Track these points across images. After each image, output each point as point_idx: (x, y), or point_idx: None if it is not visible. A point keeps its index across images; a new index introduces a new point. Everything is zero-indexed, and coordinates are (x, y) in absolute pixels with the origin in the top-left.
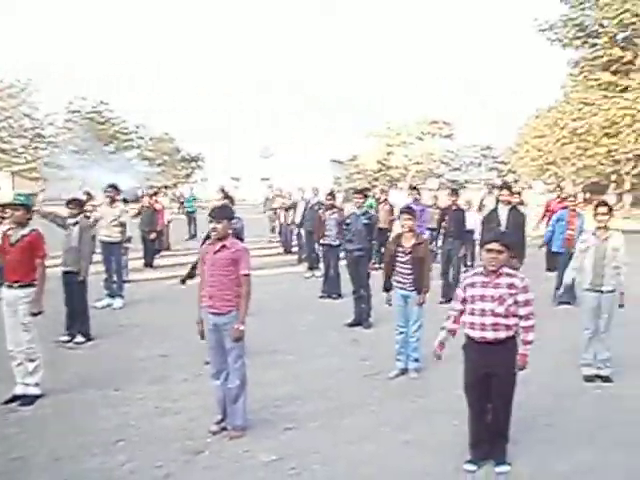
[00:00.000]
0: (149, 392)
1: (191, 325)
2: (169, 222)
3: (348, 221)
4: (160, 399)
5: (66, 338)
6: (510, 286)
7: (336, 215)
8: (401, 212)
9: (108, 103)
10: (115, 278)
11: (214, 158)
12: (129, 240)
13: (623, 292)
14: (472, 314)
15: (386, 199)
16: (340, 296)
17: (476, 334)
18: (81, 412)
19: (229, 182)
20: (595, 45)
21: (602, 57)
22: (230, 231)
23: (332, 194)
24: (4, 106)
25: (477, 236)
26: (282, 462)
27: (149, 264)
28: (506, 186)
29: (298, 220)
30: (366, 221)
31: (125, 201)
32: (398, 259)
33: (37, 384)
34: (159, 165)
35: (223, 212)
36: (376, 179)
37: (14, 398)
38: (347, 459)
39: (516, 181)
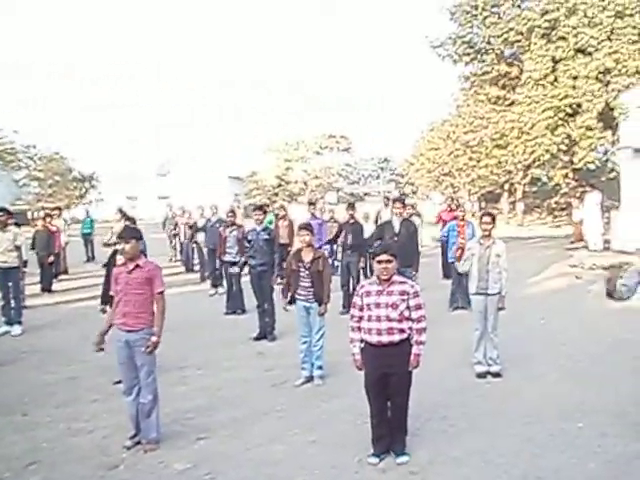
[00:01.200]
0: (59, 414)
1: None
2: (66, 244)
3: (249, 237)
4: (71, 420)
5: None
6: (402, 293)
7: (236, 232)
8: (299, 228)
9: None
10: (13, 304)
11: (109, 177)
12: (25, 264)
13: (504, 295)
14: (369, 320)
15: (285, 215)
16: (244, 311)
17: (373, 339)
18: None
19: (125, 202)
20: (484, 61)
21: (490, 73)
22: (140, 250)
23: (233, 211)
24: None
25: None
26: (196, 469)
27: (47, 289)
28: (399, 199)
29: (200, 238)
30: (266, 237)
31: (17, 224)
32: (299, 273)
33: None
34: (50, 186)
35: (131, 232)
36: (276, 194)
37: None
38: (258, 461)
39: (414, 192)
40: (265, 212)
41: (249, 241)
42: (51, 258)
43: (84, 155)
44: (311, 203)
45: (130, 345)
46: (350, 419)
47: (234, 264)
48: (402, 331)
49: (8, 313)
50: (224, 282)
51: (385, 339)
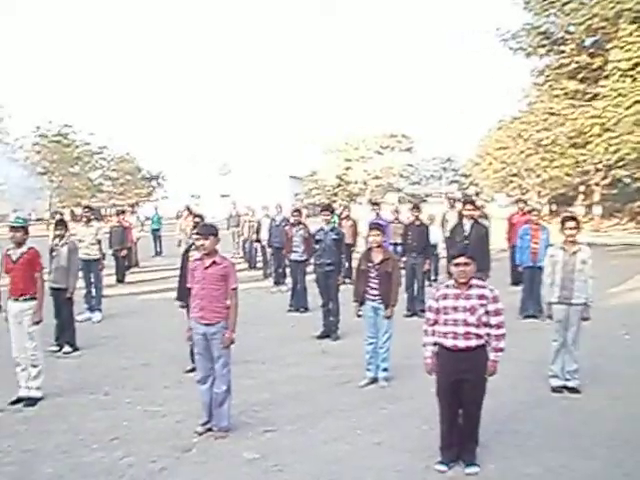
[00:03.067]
0: (136, 397)
1: (166, 336)
2: (138, 239)
3: (317, 237)
4: (147, 403)
5: (55, 348)
6: (481, 297)
7: (302, 231)
8: (370, 228)
9: (72, 125)
10: (94, 293)
11: (174, 176)
12: (104, 257)
13: (589, 305)
14: (445, 324)
15: (348, 215)
16: (307, 310)
17: (449, 343)
18: (77, 413)
19: (190, 200)
20: (561, 52)
21: (568, 65)
22: (218, 247)
23: (298, 211)
24: None
25: (440, 250)
26: (264, 460)
27: (121, 280)
28: (469, 201)
29: (264, 237)
30: (335, 236)
31: (97, 219)
32: (369, 274)
33: (39, 388)
34: (121, 184)
35: (209, 229)
36: (335, 194)
37: (18, 400)
38: (323, 458)
39: (477, 194)
40: (332, 212)
41: (317, 241)
42: (124, 252)
43: (150, 155)
44: (375, 203)
45: (207, 337)
46: (416, 423)
47: (301, 262)
48: (479, 336)
49: (90, 301)
50: (287, 280)
51: (462, 343)
